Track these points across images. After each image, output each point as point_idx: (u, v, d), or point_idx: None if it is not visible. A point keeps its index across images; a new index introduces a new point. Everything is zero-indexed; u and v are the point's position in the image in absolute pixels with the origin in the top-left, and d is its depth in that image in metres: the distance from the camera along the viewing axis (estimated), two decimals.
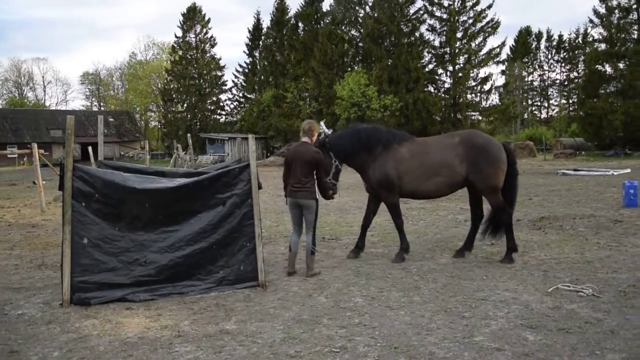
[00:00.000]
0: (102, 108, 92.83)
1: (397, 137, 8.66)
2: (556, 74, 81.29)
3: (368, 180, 8.66)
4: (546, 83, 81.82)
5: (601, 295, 6.40)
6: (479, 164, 8.18)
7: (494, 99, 56.44)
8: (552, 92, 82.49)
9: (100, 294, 6.56)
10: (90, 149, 20.39)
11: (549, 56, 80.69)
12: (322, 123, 10.19)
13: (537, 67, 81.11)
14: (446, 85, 54.71)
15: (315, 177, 7.75)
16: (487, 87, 53.70)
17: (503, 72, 63.26)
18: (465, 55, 52.73)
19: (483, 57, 52.85)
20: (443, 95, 54.33)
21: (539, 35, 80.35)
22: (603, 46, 48.82)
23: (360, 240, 8.99)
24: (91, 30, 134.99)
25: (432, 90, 54.88)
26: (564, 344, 4.98)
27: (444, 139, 8.80)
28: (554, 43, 79.47)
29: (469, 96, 54.01)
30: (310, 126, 7.90)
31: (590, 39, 54.82)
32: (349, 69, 55.09)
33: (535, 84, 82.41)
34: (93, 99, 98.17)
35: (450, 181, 8.34)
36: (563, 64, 79.11)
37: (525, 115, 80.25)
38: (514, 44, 77.42)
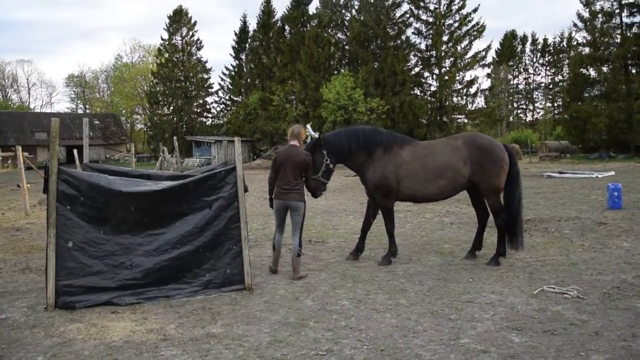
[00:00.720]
0: (88, 111, 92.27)
1: (398, 140, 8.65)
2: (541, 77, 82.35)
3: (365, 182, 8.66)
4: (531, 86, 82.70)
5: (586, 297, 6.45)
6: (483, 164, 8.22)
7: (480, 102, 56.83)
8: (537, 95, 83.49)
9: (85, 297, 6.51)
10: (75, 151, 20.13)
11: (534, 59, 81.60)
12: (308, 126, 10.21)
13: (522, 70, 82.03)
14: (432, 88, 54.86)
15: (303, 178, 7.82)
16: (472, 90, 53.95)
17: (489, 75, 63.72)
18: (451, 59, 52.94)
19: (469, 60, 53.09)
20: (429, 98, 54.43)
21: (524, 39, 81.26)
22: (587, 50, 49.34)
23: (360, 243, 9.00)
24: (76, 32, 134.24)
25: (419, 93, 54.98)
26: (549, 345, 5.01)
27: (446, 141, 8.79)
28: (539, 47, 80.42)
29: (455, 99, 54.20)
30: (300, 130, 8.08)
31: (575, 43, 55.54)
32: (336, 72, 55.08)
33: (521, 87, 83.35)
34: (78, 102, 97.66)
35: (454, 183, 8.34)
36: (548, 68, 79.98)
37: (511, 118, 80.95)
38: (499, 48, 78.25)
